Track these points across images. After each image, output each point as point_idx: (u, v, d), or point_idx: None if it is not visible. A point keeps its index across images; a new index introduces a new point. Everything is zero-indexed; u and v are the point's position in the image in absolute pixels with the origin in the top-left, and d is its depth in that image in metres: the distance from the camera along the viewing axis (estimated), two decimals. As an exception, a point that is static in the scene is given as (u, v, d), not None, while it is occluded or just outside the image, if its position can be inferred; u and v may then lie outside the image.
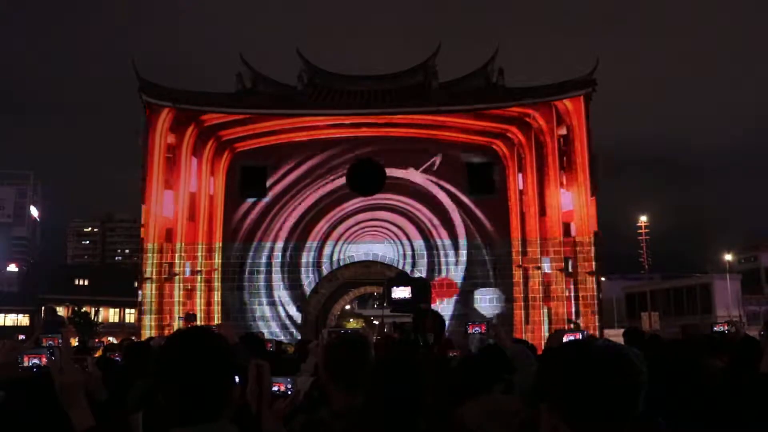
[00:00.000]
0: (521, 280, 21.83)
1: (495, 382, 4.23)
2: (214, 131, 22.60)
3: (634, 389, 1.46)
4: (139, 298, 22.26)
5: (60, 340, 4.02)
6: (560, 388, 1.47)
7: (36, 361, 3.10)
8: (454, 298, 21.85)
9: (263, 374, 2.66)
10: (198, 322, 18.42)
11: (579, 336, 5.40)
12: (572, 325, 20.00)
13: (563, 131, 22.34)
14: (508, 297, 21.74)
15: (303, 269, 22.23)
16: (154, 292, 21.86)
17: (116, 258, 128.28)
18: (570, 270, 21.78)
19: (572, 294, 21.69)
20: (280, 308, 22.20)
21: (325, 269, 22.21)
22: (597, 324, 21.14)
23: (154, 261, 22.07)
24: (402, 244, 22.15)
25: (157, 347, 5.39)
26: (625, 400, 1.45)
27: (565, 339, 5.23)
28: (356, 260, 22.28)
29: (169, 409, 1.91)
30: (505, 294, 21.75)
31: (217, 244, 22.21)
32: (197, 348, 1.91)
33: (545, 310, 21.59)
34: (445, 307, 21.13)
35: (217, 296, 22.02)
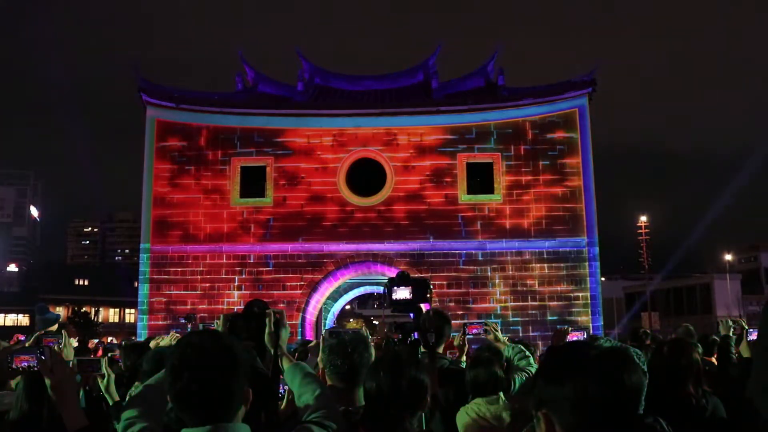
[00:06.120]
0: (521, 280, 21.81)
1: (493, 382, 4.23)
2: (213, 131, 22.60)
3: (637, 391, 1.38)
4: (139, 299, 22.27)
5: (61, 341, 4.01)
6: (560, 392, 1.38)
7: (28, 362, 3.08)
8: (454, 298, 21.83)
9: (280, 321, 3.05)
10: (197, 323, 18.40)
11: (584, 335, 5.38)
12: (570, 328, 19.95)
13: (563, 131, 22.35)
14: (508, 297, 21.74)
15: (302, 269, 22.21)
16: (153, 292, 21.87)
17: (116, 258, 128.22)
18: (570, 269, 21.77)
19: (572, 294, 21.70)
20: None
21: (325, 269, 22.19)
22: (597, 324, 21.17)
23: (153, 261, 22.07)
24: (402, 243, 22.12)
25: (158, 348, 5.38)
26: (628, 403, 1.37)
27: (568, 339, 5.21)
28: (356, 260, 22.27)
29: (180, 410, 1.91)
30: (504, 294, 21.75)
31: (216, 245, 22.19)
32: (212, 349, 1.92)
33: (545, 311, 21.58)
34: (444, 307, 21.13)
35: (217, 296, 21.99)
